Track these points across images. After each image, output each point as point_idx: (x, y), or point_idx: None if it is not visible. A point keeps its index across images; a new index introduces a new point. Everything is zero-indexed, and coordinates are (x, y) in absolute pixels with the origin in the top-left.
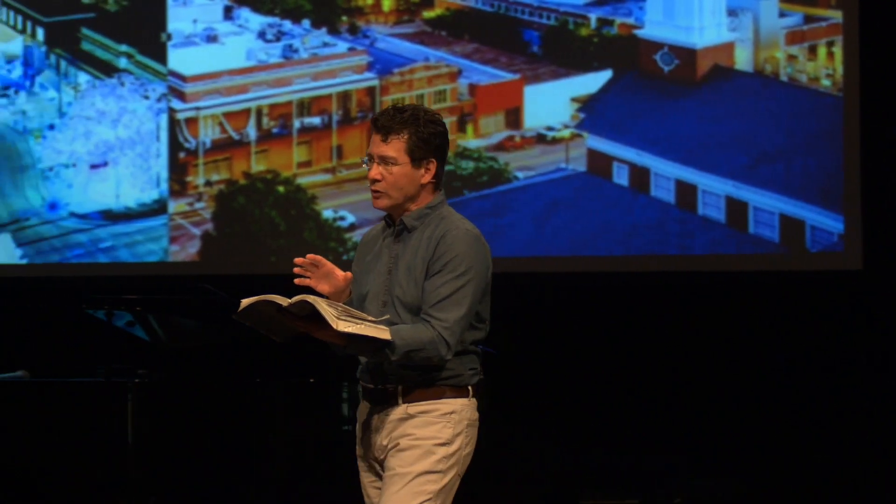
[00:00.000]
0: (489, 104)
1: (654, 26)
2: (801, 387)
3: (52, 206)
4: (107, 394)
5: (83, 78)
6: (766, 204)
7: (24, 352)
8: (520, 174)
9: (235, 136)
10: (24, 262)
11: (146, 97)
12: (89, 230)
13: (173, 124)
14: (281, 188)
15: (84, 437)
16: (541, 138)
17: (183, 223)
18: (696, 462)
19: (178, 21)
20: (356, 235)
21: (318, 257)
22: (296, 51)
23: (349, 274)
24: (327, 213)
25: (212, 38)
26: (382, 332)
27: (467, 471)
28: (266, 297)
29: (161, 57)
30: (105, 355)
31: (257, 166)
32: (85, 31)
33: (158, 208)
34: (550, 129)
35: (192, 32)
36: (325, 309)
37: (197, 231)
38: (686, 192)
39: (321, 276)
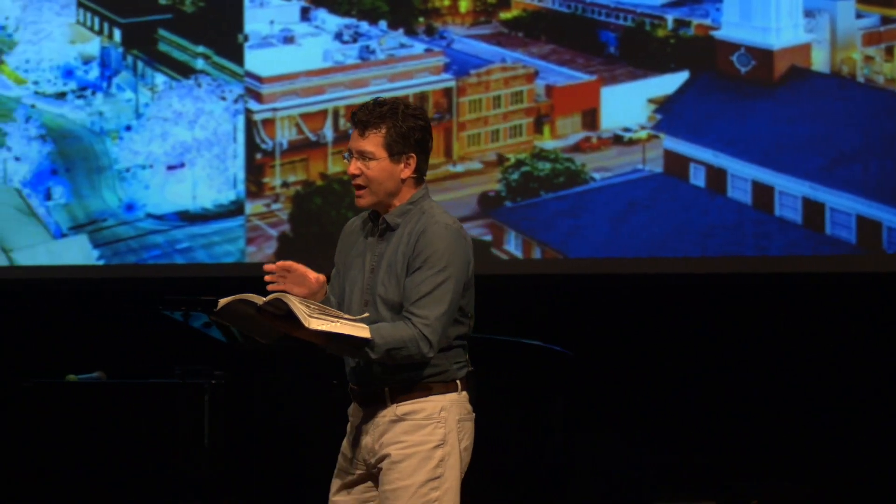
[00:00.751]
0: (566, 105)
1: (731, 27)
2: (880, 390)
3: (129, 207)
4: (183, 395)
5: (160, 79)
6: (842, 205)
7: (100, 353)
8: (596, 175)
9: (312, 137)
10: (100, 263)
11: (223, 98)
12: (166, 231)
13: (250, 125)
14: None
15: (160, 439)
16: (617, 139)
17: (260, 224)
18: (773, 463)
19: (254, 22)
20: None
21: (289, 263)
22: (373, 52)
23: (322, 276)
24: None
25: (289, 40)
26: (361, 331)
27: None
28: (243, 296)
29: (238, 58)
30: (181, 356)
31: (334, 167)
32: (162, 32)
33: (235, 209)
34: (627, 130)
35: (269, 33)
36: (298, 307)
37: (274, 232)
38: (763, 193)
39: (294, 280)
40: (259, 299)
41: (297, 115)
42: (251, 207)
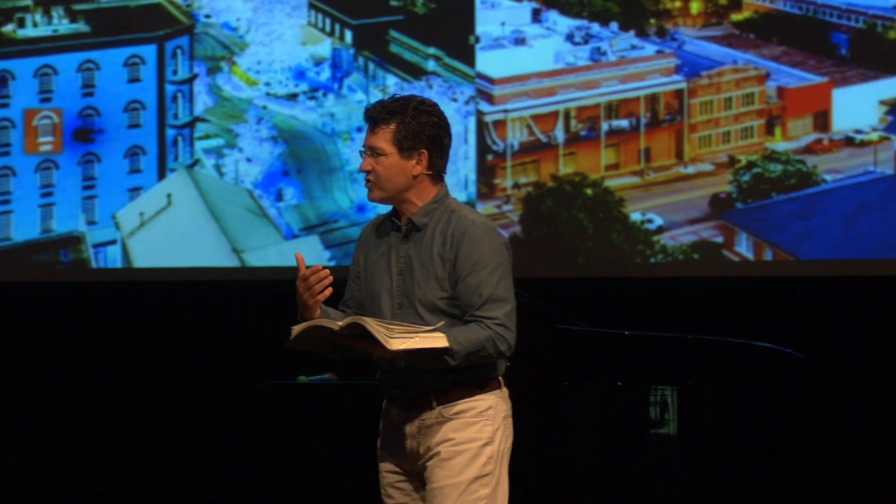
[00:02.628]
0: (797, 107)
1: None
2: None
3: (361, 208)
4: None
5: (391, 80)
6: None
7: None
8: (828, 177)
9: (543, 138)
10: (332, 264)
11: (454, 100)
12: None
13: (481, 127)
14: (589, 191)
15: None
16: (849, 141)
17: None
18: None
19: (486, 23)
20: (664, 238)
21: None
22: (604, 53)
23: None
24: (635, 216)
25: (520, 41)
26: (439, 341)
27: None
28: (316, 322)
29: (469, 59)
30: None
31: (565, 169)
32: (393, 33)
33: None
34: (858, 131)
35: (501, 35)
36: (377, 329)
37: (505, 234)
38: None
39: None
40: (333, 324)
41: (528, 116)
42: (482, 209)
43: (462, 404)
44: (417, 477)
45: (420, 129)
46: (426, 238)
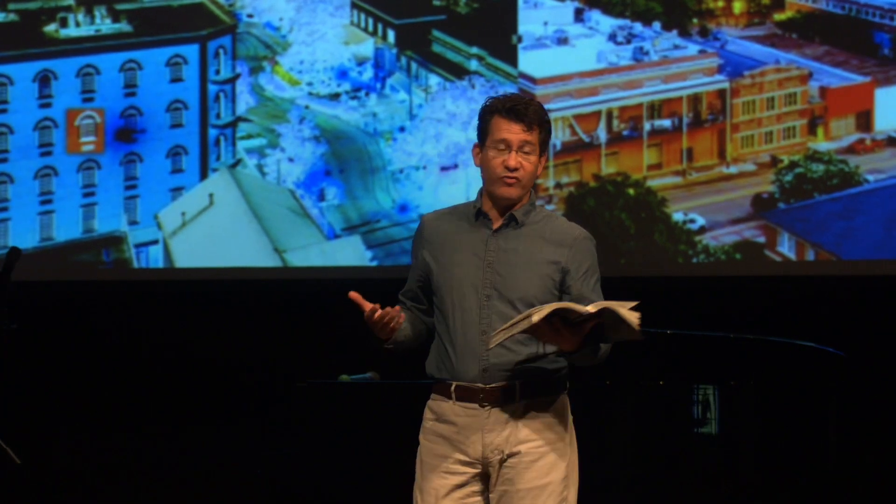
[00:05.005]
0: (840, 107)
1: None
2: None
3: (403, 208)
4: None
5: (434, 80)
6: None
7: (373, 353)
8: (870, 177)
9: (586, 138)
10: (373, 264)
11: None
12: None
13: None
14: (631, 190)
15: None
16: (891, 141)
17: None
18: None
19: (528, 23)
20: (706, 238)
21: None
22: (646, 53)
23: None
24: (677, 216)
25: (562, 41)
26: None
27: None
28: (565, 304)
29: (511, 59)
30: None
31: (607, 168)
32: (436, 33)
33: None
34: None
35: (543, 34)
36: (629, 315)
37: None
38: None
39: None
40: (583, 309)
41: (570, 115)
42: None
43: (543, 399)
44: (483, 477)
45: (549, 137)
46: (524, 237)
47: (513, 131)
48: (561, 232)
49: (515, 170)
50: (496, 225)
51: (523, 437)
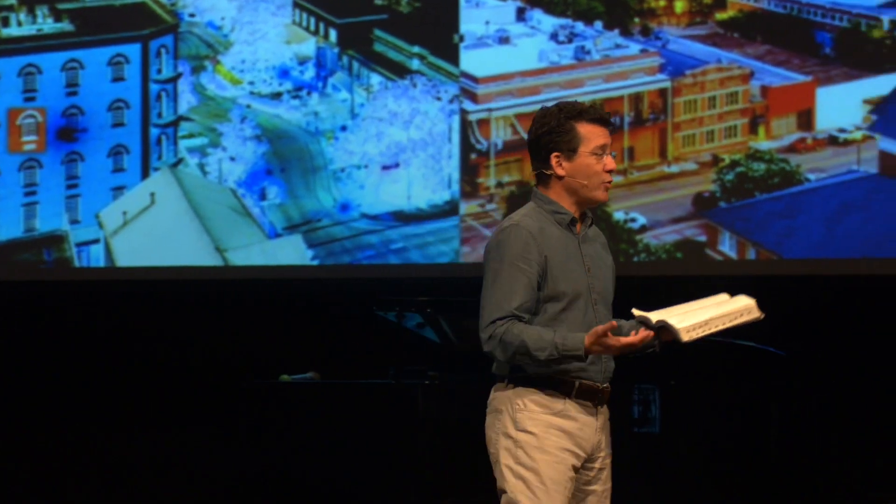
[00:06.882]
0: (781, 106)
1: None
2: None
3: (344, 207)
4: (396, 396)
5: (375, 79)
6: None
7: (314, 353)
8: (811, 176)
9: (527, 137)
10: (315, 263)
11: (438, 98)
12: (380, 231)
13: (465, 126)
14: None
15: (373, 439)
16: (832, 140)
17: (474, 224)
18: None
19: (470, 22)
20: (647, 237)
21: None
22: (588, 52)
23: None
24: (618, 215)
25: (504, 40)
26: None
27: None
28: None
29: (453, 58)
30: (395, 357)
31: None
32: (377, 32)
33: (450, 209)
34: (842, 130)
35: (485, 34)
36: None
37: (488, 232)
38: None
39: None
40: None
41: (512, 115)
42: (466, 208)
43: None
44: (575, 470)
45: None
46: (591, 241)
47: (606, 136)
48: (600, 235)
49: (613, 171)
50: (578, 230)
51: (606, 440)
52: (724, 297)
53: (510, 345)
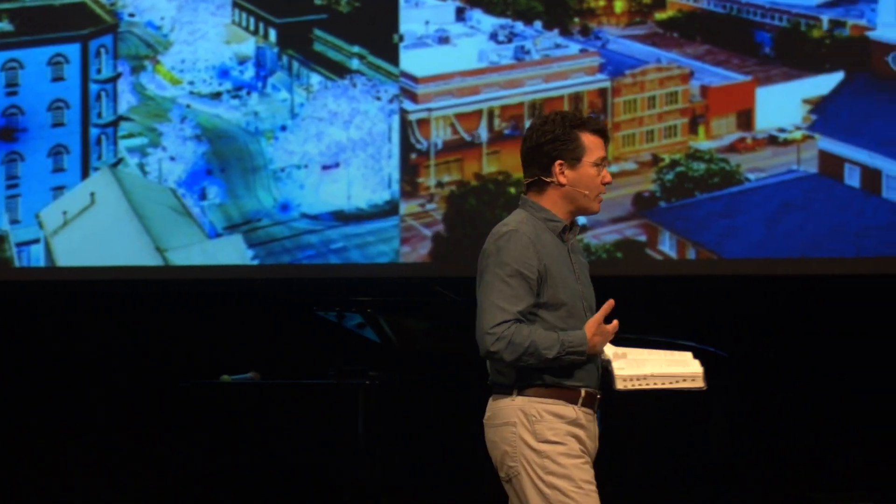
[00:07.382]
0: (721, 106)
1: (887, 28)
2: None
3: (284, 206)
4: (337, 396)
5: (315, 79)
6: None
7: (254, 353)
8: (751, 176)
9: (467, 137)
10: (255, 262)
11: (378, 98)
12: (320, 231)
13: (405, 125)
14: (512, 189)
15: (314, 439)
16: (772, 140)
17: (414, 224)
18: None
19: (409, 22)
20: (587, 237)
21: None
22: (528, 52)
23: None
24: None
25: (444, 40)
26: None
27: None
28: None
29: (393, 58)
30: (335, 357)
31: (489, 168)
32: (317, 32)
33: (390, 209)
34: (782, 130)
35: (424, 34)
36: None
37: (428, 232)
38: None
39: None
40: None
41: (451, 115)
42: (406, 207)
43: None
44: None
45: None
46: (576, 248)
47: (605, 148)
48: (577, 243)
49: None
50: (567, 238)
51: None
52: (684, 356)
53: (519, 345)
